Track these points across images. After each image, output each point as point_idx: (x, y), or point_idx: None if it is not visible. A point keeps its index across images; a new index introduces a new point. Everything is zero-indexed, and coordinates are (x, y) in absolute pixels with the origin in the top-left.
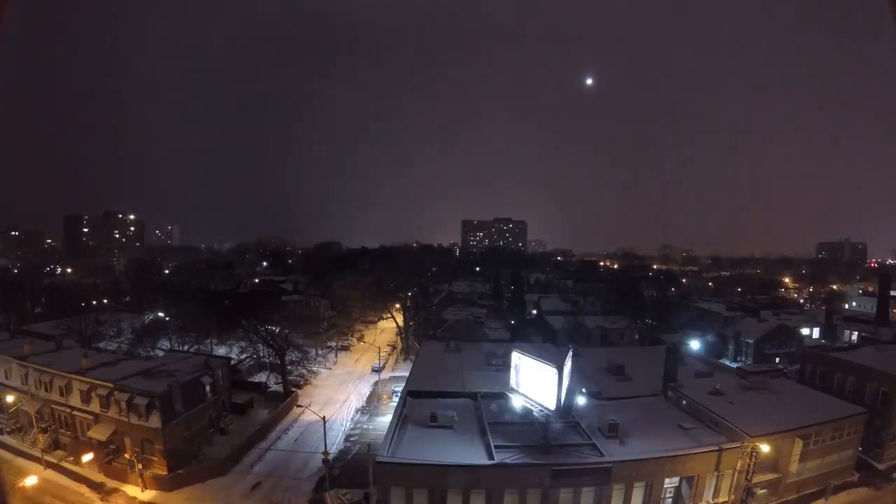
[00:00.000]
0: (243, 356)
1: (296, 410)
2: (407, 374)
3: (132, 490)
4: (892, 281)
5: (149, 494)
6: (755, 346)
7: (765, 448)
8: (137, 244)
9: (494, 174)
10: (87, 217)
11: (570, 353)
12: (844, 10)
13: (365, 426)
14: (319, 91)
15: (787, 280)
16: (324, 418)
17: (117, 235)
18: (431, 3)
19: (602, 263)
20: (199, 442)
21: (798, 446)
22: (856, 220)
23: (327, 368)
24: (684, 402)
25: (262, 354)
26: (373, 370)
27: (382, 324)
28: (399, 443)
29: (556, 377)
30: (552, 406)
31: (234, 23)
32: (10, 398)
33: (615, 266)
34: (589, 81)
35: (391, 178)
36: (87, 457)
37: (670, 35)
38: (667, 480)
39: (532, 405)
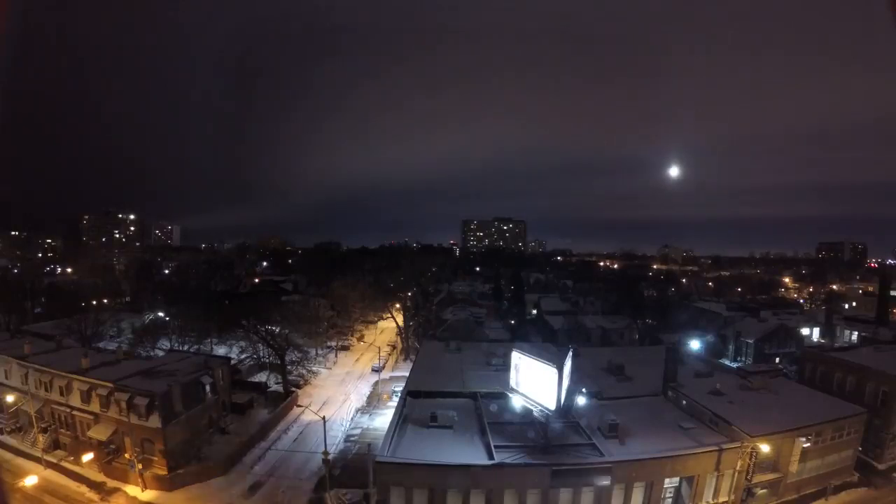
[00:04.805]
0: (243, 356)
1: (296, 410)
2: (407, 373)
3: (132, 490)
4: (893, 281)
5: (149, 494)
6: (755, 346)
7: (765, 448)
8: (137, 244)
9: (495, 174)
10: (87, 217)
11: (570, 353)
12: (846, 11)
13: (365, 426)
14: (320, 92)
15: (787, 280)
16: (324, 418)
17: (117, 235)
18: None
19: (602, 263)
20: (200, 442)
21: (798, 446)
22: (856, 220)
23: (327, 368)
24: (684, 402)
25: (262, 354)
26: (373, 370)
27: (382, 324)
28: (399, 443)
29: (556, 377)
30: (552, 406)
31: (234, 20)
32: (10, 398)
33: (615, 266)
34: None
35: (391, 177)
36: (87, 457)
37: (670, 37)
38: (667, 480)
39: (532, 405)
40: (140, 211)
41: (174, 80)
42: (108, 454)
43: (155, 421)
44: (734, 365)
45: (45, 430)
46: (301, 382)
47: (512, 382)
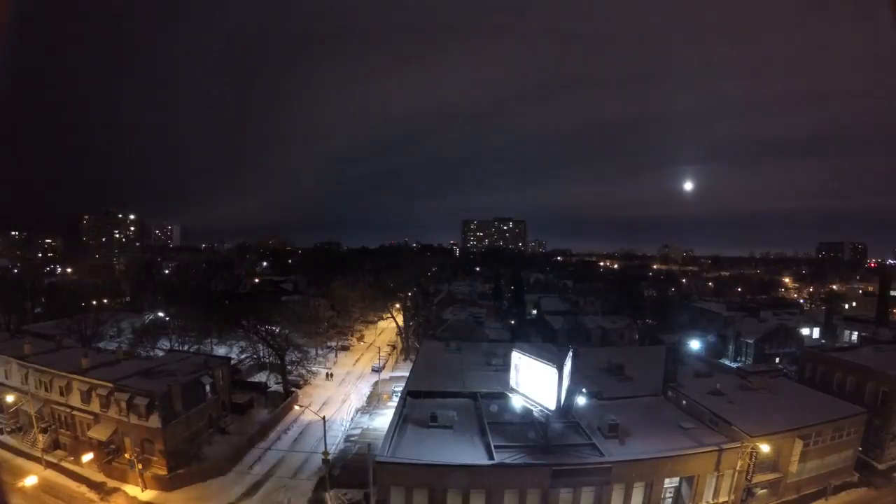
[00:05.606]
0: (243, 356)
1: (296, 410)
2: (407, 374)
3: (132, 490)
4: (893, 281)
5: (149, 494)
6: (755, 346)
7: (765, 448)
8: (137, 244)
9: (494, 174)
10: (87, 217)
11: (570, 353)
12: (846, 10)
13: (365, 426)
14: (319, 91)
15: (787, 280)
16: (324, 418)
17: (117, 235)
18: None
19: (602, 263)
20: (200, 442)
21: (798, 446)
22: (856, 217)
23: (327, 368)
24: (684, 402)
25: (262, 354)
26: (373, 370)
27: (382, 324)
28: (399, 443)
29: (556, 377)
30: (552, 406)
31: (234, 23)
32: (10, 398)
33: (615, 266)
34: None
35: (390, 177)
36: (87, 457)
37: (667, 35)
38: (667, 480)
39: (532, 405)
40: (140, 211)
41: (174, 80)
42: (108, 454)
43: (155, 421)
44: (734, 365)
45: (45, 430)
46: (301, 382)
47: (512, 382)
